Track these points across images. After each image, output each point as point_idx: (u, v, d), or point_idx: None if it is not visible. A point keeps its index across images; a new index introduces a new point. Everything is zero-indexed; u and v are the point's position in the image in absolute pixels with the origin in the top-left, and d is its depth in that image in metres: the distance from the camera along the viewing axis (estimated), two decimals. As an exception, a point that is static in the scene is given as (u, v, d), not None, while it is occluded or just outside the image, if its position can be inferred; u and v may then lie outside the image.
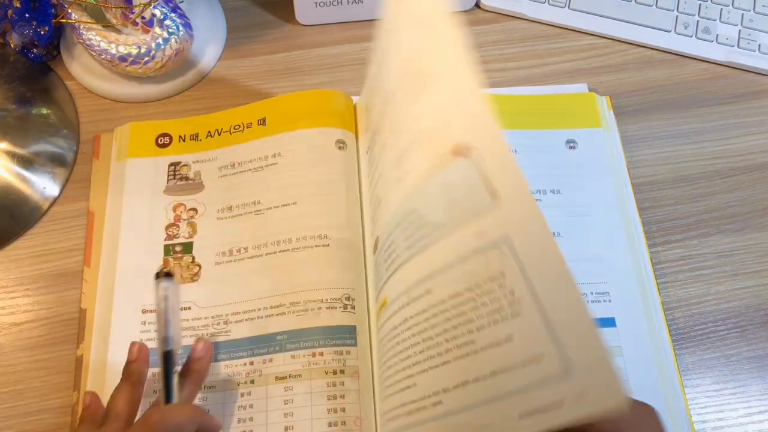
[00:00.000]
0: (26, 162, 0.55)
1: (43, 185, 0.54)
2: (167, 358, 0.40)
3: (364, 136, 0.55)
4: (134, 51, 0.55)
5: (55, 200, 0.54)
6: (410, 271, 0.41)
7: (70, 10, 0.55)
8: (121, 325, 0.48)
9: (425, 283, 0.40)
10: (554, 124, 0.56)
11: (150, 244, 0.51)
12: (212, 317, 0.49)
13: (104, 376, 0.46)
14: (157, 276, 0.41)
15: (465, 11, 0.64)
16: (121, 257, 0.50)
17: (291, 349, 0.47)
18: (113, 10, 0.54)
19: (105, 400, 0.42)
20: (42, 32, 0.56)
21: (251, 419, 0.45)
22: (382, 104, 0.49)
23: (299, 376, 0.46)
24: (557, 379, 0.31)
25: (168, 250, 0.51)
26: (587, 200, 0.53)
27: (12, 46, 0.59)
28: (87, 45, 0.56)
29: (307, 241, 0.50)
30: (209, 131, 0.56)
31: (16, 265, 0.52)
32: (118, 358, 0.45)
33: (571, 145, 0.55)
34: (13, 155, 0.55)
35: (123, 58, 0.55)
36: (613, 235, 0.52)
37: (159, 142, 0.55)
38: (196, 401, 0.45)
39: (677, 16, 0.63)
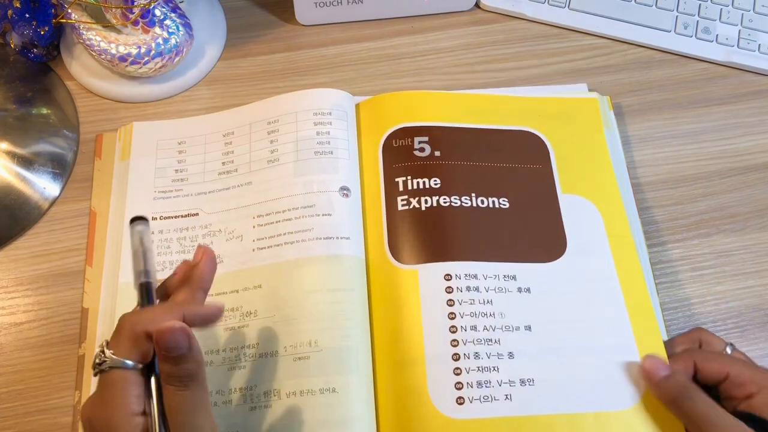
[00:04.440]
0: (26, 162, 0.55)
1: (43, 185, 0.54)
2: (145, 290, 0.37)
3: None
4: (134, 51, 0.55)
5: (55, 200, 0.54)
6: None
7: (70, 10, 0.55)
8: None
9: None
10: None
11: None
12: None
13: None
14: (132, 220, 0.39)
15: (465, 11, 0.64)
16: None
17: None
18: (113, 10, 0.54)
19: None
20: (42, 32, 0.56)
21: None
22: None
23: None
24: None
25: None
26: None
27: (12, 46, 0.59)
28: (87, 45, 0.56)
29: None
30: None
31: (16, 265, 0.52)
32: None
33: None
34: (13, 155, 0.55)
35: (123, 58, 0.55)
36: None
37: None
38: None
39: (677, 16, 0.63)
